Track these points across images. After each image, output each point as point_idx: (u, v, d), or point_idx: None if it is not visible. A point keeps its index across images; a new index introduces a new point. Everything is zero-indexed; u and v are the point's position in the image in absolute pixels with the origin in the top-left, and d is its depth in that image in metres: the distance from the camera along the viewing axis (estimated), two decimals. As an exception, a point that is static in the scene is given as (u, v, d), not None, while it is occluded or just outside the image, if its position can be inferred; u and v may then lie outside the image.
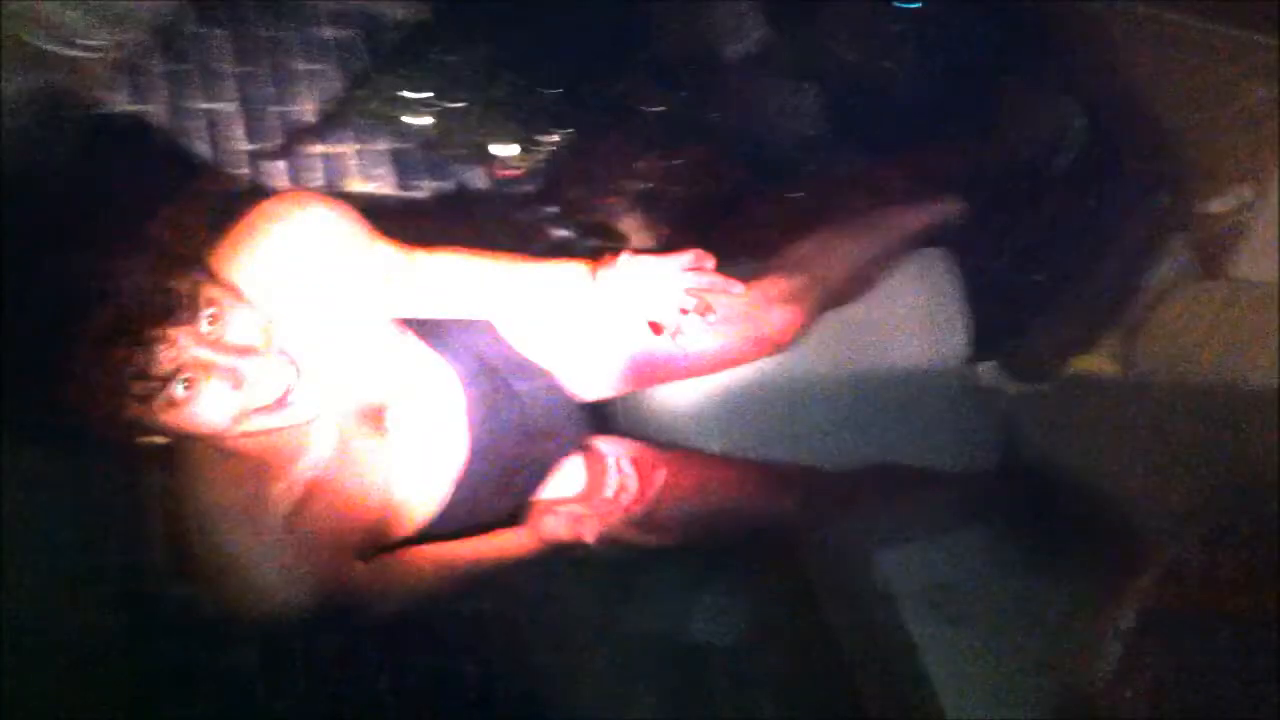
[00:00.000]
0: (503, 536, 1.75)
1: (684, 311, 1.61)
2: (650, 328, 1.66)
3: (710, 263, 1.65)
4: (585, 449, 1.94)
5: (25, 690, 1.75)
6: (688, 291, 1.61)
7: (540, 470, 1.85)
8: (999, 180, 2.21)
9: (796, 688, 2.12)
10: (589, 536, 1.77)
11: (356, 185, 2.68)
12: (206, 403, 1.30)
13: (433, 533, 1.69)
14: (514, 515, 1.80)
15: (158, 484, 1.47)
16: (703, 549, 1.98)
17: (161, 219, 1.43)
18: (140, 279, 1.25)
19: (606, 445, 1.94)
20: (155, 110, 2.56)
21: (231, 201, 1.48)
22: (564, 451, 1.88)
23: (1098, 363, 2.02)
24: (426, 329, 1.70)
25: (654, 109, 2.67)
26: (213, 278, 1.36)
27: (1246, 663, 1.30)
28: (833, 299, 2.02)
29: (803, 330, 1.95)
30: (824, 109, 2.54)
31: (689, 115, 2.67)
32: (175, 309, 1.27)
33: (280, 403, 1.36)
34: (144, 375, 1.24)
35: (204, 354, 1.28)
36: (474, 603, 2.10)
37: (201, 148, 2.61)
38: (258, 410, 1.35)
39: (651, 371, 1.91)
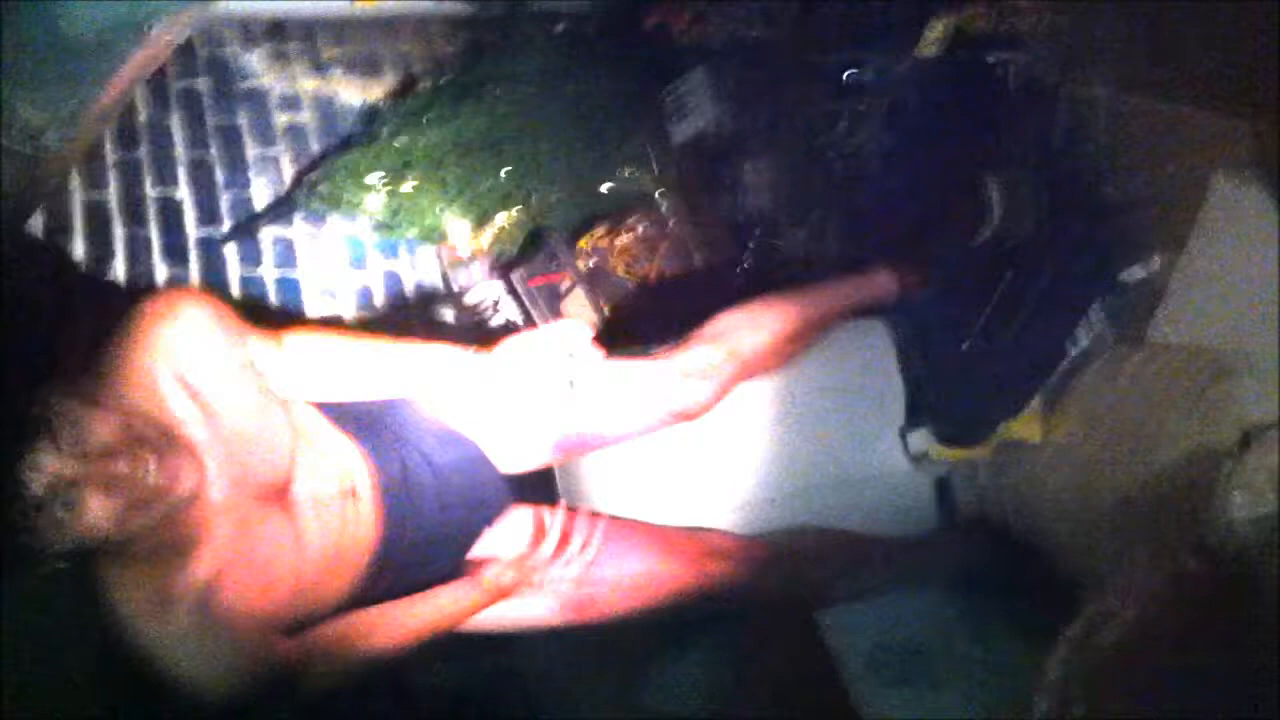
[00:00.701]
0: (443, 592, 1.76)
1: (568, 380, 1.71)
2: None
3: (585, 332, 1.74)
4: (521, 510, 1.97)
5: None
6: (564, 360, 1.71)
7: (463, 541, 1.87)
8: (933, 252, 2.26)
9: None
10: (532, 582, 1.81)
11: (306, 267, 2.71)
12: (88, 513, 1.32)
13: (358, 603, 1.70)
14: (444, 579, 1.81)
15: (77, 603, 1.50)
16: (646, 619, 2.00)
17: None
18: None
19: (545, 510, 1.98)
20: (108, 198, 2.59)
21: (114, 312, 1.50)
22: (487, 521, 1.90)
23: (1024, 428, 2.07)
24: (336, 408, 1.74)
25: (604, 185, 2.73)
26: (65, 391, 1.38)
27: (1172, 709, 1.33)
28: (752, 371, 2.07)
29: (714, 403, 2.02)
30: (772, 183, 2.60)
31: (639, 191, 2.74)
32: (34, 434, 1.30)
33: (158, 490, 1.39)
34: (22, 503, 1.27)
35: (70, 468, 1.31)
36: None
37: (152, 233, 2.64)
38: (137, 503, 1.37)
39: (574, 443, 1.98)
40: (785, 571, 2.10)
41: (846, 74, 2.32)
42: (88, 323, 1.60)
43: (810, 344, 2.17)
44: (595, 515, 1.96)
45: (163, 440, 1.41)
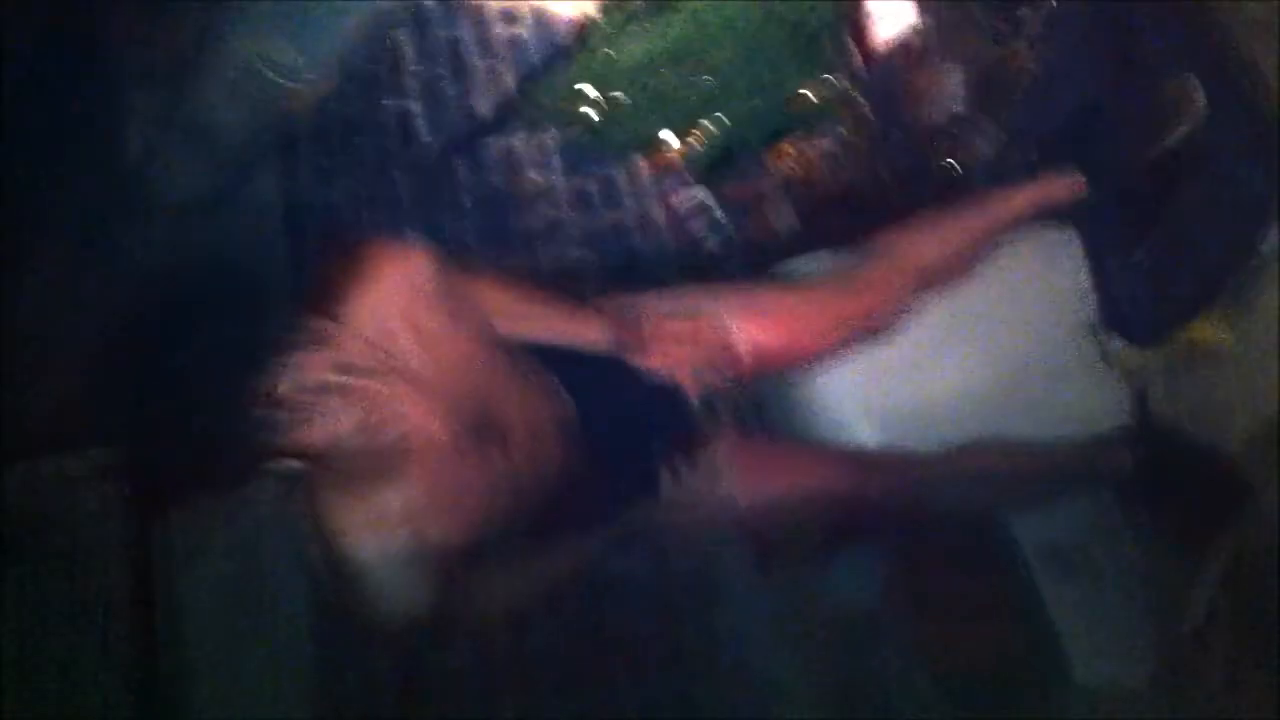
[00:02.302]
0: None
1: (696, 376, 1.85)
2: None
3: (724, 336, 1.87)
4: None
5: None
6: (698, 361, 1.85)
7: (653, 476, 1.92)
8: (1114, 156, 2.26)
9: (930, 646, 2.28)
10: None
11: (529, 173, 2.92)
12: (329, 421, 1.45)
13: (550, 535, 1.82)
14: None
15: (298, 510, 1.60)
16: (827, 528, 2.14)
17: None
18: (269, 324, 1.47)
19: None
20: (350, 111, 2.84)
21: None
22: (681, 451, 1.94)
23: (1207, 331, 2.10)
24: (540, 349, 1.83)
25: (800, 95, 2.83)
26: (318, 311, 1.51)
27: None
28: (930, 282, 2.10)
29: (894, 317, 2.06)
30: (960, 87, 2.64)
31: (836, 98, 2.83)
32: (286, 343, 1.43)
33: (390, 416, 1.51)
34: (271, 401, 1.40)
35: (315, 375, 1.44)
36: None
37: (389, 143, 2.89)
38: (371, 423, 1.49)
39: (764, 364, 2.01)
40: (962, 489, 2.15)
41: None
42: (334, 250, 1.75)
43: (987, 253, 2.19)
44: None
45: (393, 371, 1.53)
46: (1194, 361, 2.17)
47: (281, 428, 1.41)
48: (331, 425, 1.45)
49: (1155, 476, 2.21)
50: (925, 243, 2.11)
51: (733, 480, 1.94)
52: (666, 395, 1.91)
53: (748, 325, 1.93)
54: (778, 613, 2.42)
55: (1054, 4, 2.37)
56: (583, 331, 1.85)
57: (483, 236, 2.83)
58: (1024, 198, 2.25)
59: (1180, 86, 2.14)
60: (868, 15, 2.75)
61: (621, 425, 1.87)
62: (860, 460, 2.14)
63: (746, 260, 2.75)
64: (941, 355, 2.23)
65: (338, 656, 2.17)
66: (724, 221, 2.81)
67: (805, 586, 2.36)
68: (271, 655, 2.15)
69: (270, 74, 1.84)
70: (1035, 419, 2.23)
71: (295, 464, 1.46)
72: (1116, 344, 2.26)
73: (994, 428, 2.20)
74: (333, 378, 1.46)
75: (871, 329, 2.06)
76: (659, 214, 2.92)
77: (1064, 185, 2.27)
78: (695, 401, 1.92)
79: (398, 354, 1.55)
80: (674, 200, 2.89)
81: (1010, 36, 2.48)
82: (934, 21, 2.66)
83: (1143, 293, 2.23)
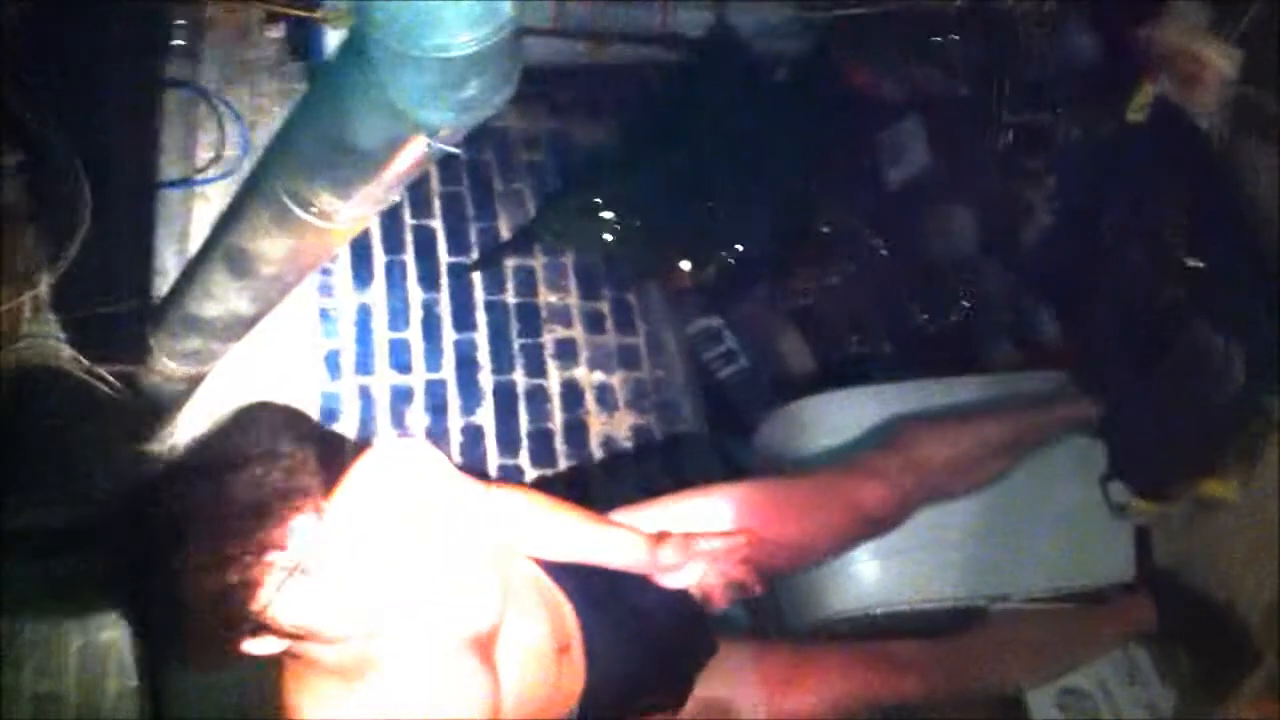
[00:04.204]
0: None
1: (727, 589, 1.85)
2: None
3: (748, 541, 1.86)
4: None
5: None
6: (729, 575, 1.84)
7: (670, 687, 1.91)
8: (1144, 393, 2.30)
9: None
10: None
11: (544, 295, 2.97)
12: (311, 598, 1.36)
13: None
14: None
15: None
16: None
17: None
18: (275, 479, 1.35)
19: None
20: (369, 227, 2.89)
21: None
22: (696, 667, 1.93)
23: (1219, 487, 2.13)
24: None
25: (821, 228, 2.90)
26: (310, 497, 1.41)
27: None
28: (935, 486, 2.11)
29: (897, 514, 2.06)
30: (976, 233, 2.71)
31: (848, 232, 2.89)
32: (299, 499, 1.35)
33: (365, 613, 1.43)
34: (265, 553, 1.31)
35: (315, 546, 1.35)
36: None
37: (409, 259, 2.94)
38: (350, 612, 1.41)
39: (772, 566, 1.99)
40: (983, 673, 2.17)
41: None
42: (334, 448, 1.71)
43: (1006, 465, 2.22)
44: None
45: (373, 568, 1.46)
46: (1203, 516, 2.20)
47: (264, 593, 1.33)
48: (313, 604, 1.38)
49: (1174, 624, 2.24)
50: (936, 444, 2.11)
51: (759, 691, 1.95)
52: (683, 609, 1.90)
53: (768, 525, 1.94)
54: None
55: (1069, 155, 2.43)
56: (616, 554, 1.83)
57: (494, 353, 2.87)
58: (1045, 416, 2.29)
59: (1225, 355, 2.15)
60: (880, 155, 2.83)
61: (636, 641, 1.85)
62: (888, 658, 2.10)
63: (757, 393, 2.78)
64: (956, 512, 2.24)
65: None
66: (737, 351, 2.85)
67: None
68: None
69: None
70: (1049, 573, 2.27)
71: (266, 642, 1.39)
72: (1126, 495, 2.28)
73: (1010, 585, 2.24)
74: (324, 552, 1.38)
75: (871, 520, 2.05)
76: (670, 340, 2.97)
77: (1087, 408, 2.30)
78: (718, 610, 1.91)
79: (383, 552, 1.49)
80: (689, 329, 2.93)
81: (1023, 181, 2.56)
82: (948, 163, 2.75)
83: (1161, 448, 2.25)
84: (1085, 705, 2.23)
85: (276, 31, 3.00)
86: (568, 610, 1.80)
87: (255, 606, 1.32)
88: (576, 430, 2.80)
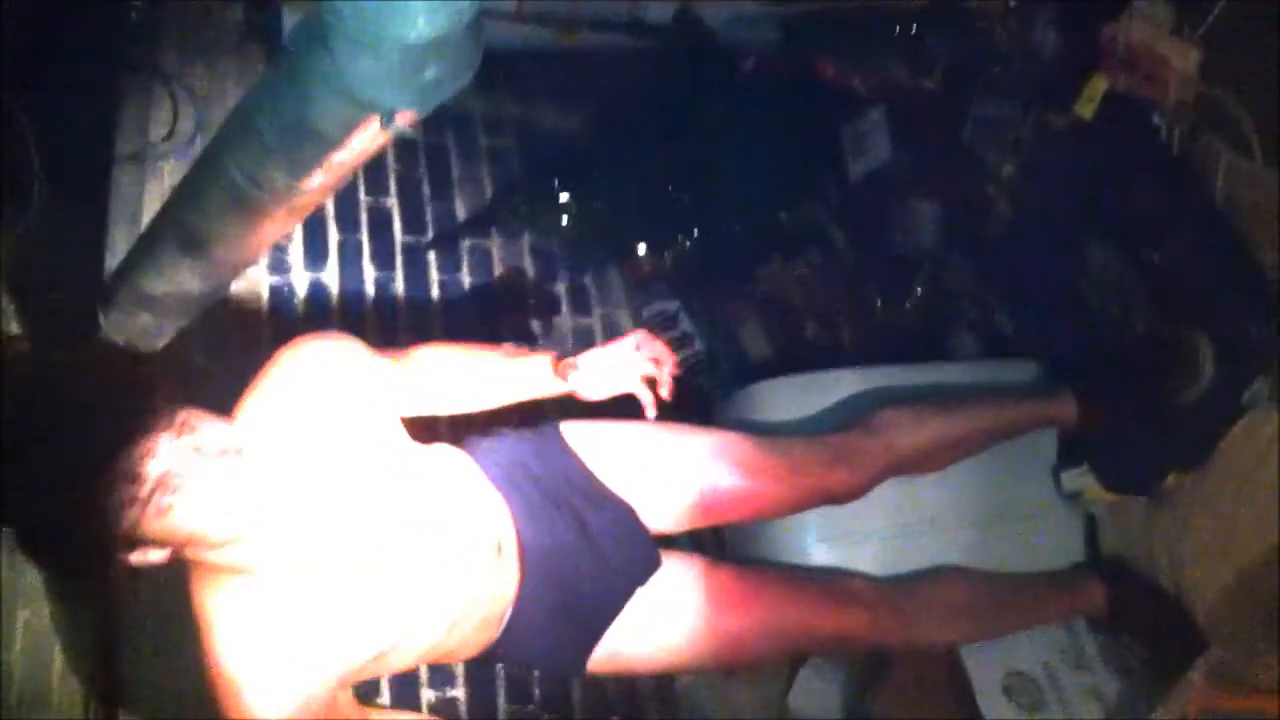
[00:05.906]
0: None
1: (646, 378, 1.84)
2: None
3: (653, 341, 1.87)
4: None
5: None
6: (643, 371, 1.83)
7: (605, 611, 1.88)
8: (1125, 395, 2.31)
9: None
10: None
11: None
12: (191, 505, 1.35)
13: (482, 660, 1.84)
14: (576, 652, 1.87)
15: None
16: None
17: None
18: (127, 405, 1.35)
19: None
20: (324, 205, 2.86)
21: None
22: (632, 588, 1.90)
23: (1173, 478, 2.18)
24: (492, 460, 1.84)
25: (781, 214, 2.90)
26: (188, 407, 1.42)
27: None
28: (905, 468, 2.13)
29: (860, 492, 2.06)
30: (940, 227, 2.72)
31: (812, 224, 2.90)
32: (154, 424, 1.34)
33: (254, 504, 1.43)
34: (134, 483, 1.30)
35: (183, 459, 1.35)
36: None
37: (363, 238, 2.91)
38: (237, 510, 1.41)
39: (719, 509, 2.00)
40: (930, 623, 2.13)
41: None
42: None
43: (973, 453, 2.23)
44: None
45: (271, 460, 1.48)
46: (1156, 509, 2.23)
47: (139, 516, 1.33)
48: (193, 510, 1.37)
49: (1123, 612, 2.26)
50: (911, 429, 2.11)
51: (700, 610, 1.91)
52: (626, 519, 1.90)
53: (718, 470, 1.94)
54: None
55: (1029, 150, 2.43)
56: (534, 382, 1.85)
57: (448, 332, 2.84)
58: (1022, 410, 2.30)
59: (1191, 344, 2.18)
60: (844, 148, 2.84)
61: (575, 551, 1.84)
62: (835, 589, 2.10)
63: (714, 377, 2.78)
64: (905, 496, 2.25)
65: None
66: (694, 335, 2.85)
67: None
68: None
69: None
70: (1005, 554, 2.29)
71: (157, 555, 1.40)
72: (1088, 482, 2.30)
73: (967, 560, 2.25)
74: (195, 461, 1.38)
75: (835, 499, 2.06)
76: (627, 324, 2.96)
77: (1067, 407, 2.31)
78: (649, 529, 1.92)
79: (287, 447, 1.52)
80: (645, 312, 2.92)
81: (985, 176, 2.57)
82: (911, 157, 2.75)
83: (1136, 442, 2.27)
84: (1030, 688, 2.25)
85: (236, 13, 2.95)
86: (505, 513, 1.80)
87: (125, 526, 1.33)
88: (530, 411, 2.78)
